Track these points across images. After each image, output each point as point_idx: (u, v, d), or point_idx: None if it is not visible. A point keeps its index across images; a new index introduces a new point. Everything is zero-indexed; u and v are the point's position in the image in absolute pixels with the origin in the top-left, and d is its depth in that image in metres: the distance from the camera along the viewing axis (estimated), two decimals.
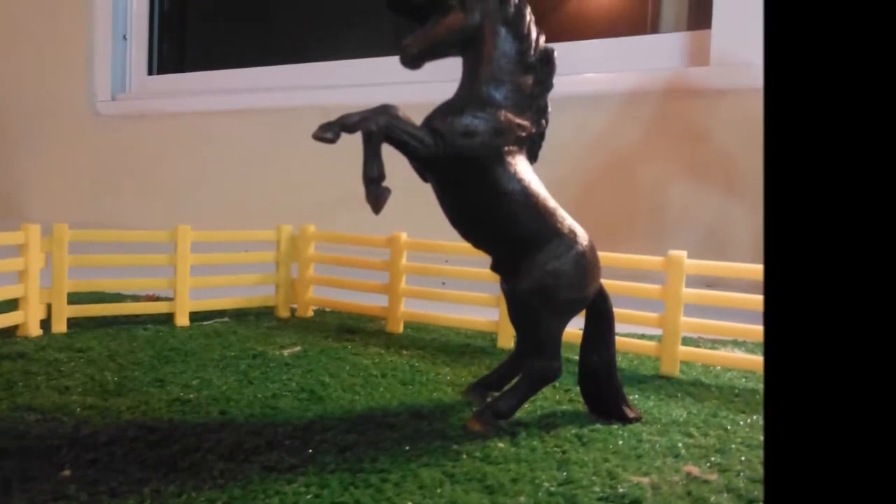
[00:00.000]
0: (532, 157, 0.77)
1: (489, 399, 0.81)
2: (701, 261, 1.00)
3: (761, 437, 0.74)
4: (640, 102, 1.84)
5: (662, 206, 1.82)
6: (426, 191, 0.78)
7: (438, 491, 0.60)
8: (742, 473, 0.65)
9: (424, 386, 0.90)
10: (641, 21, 2.10)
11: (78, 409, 0.76)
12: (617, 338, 0.83)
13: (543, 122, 0.77)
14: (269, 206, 2.44)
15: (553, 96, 0.78)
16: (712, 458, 0.69)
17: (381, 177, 0.70)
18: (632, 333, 1.09)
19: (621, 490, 0.61)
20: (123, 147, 2.81)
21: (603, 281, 0.80)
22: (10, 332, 1.09)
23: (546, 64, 0.77)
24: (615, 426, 0.77)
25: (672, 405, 0.85)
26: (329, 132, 0.69)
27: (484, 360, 1.03)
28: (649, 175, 1.84)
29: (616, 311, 0.82)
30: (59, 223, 1.13)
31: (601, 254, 0.79)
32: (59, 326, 1.13)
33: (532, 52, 0.76)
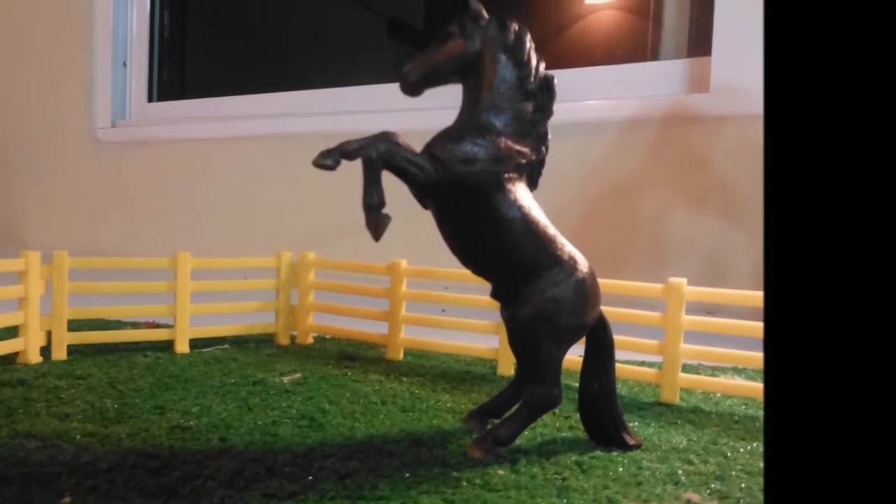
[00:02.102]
0: (532, 184, 0.77)
1: (489, 426, 0.81)
2: (701, 288, 1.00)
3: (761, 464, 0.74)
4: (641, 129, 1.85)
5: (662, 232, 1.83)
6: (426, 218, 0.78)
7: None
8: (742, 500, 0.65)
9: (424, 413, 0.90)
10: (641, 48, 2.12)
11: (78, 436, 0.76)
12: (617, 365, 0.83)
13: (543, 149, 0.77)
14: (269, 233, 2.45)
15: (553, 123, 0.78)
16: (712, 485, 0.68)
17: (381, 203, 0.70)
18: (632, 360, 1.09)
19: None
20: (123, 174, 2.82)
21: (603, 308, 0.80)
22: (11, 359, 1.09)
23: (546, 91, 0.77)
24: (615, 453, 0.76)
25: (672, 432, 0.85)
26: (329, 159, 0.69)
27: (484, 387, 1.03)
28: (649, 202, 1.84)
29: (616, 338, 0.82)
30: (59, 250, 1.13)
31: (601, 281, 0.79)
32: (59, 353, 1.13)
33: (532, 78, 0.76)
